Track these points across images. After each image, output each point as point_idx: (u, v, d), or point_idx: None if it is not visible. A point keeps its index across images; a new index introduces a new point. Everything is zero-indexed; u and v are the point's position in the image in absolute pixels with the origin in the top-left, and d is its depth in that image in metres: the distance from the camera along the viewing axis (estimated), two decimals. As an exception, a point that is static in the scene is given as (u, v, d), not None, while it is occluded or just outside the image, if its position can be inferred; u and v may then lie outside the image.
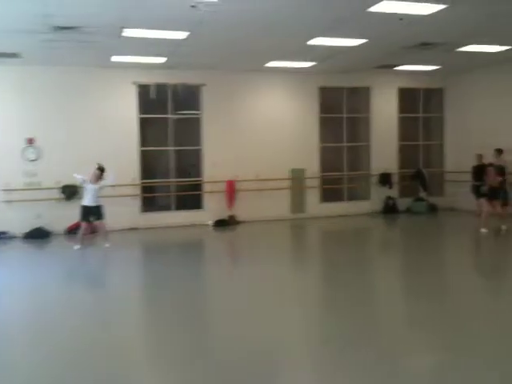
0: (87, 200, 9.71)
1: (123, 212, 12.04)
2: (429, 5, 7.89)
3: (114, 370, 4.18)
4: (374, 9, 7.96)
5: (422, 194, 14.60)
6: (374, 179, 14.50)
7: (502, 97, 13.23)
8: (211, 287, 7.22)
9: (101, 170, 9.81)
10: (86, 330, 5.21)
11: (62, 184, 11.78)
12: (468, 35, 10.02)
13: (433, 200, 14.63)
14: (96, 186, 9.69)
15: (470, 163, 12.88)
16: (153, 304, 6.36)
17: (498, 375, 3.91)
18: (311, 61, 12.01)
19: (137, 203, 12.61)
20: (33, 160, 11.70)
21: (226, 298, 6.33)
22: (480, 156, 12.48)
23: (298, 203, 13.90)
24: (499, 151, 12.09)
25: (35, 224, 11.52)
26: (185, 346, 4.69)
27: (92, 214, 9.78)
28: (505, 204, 11.02)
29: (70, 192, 11.76)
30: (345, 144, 14.41)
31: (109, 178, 9.85)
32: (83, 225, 9.87)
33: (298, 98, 13.81)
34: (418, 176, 14.66)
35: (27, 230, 11.45)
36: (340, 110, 14.26)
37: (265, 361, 4.26)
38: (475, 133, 14.05)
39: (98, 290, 7.25)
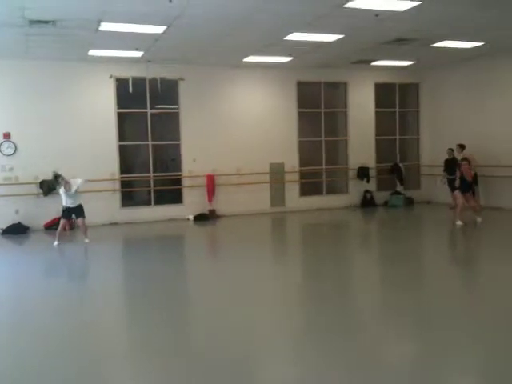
0: (68, 202, 9.76)
1: (102, 207, 12.03)
2: (403, 1, 8.06)
3: (92, 364, 4.22)
4: (350, 5, 8.09)
5: (399, 188, 14.86)
6: (352, 173, 14.69)
7: (475, 91, 13.54)
8: (192, 281, 7.27)
9: (55, 177, 9.76)
10: (64, 325, 5.22)
11: (39, 179, 11.70)
12: (442, 31, 10.22)
13: (409, 193, 14.90)
14: (71, 192, 9.70)
15: (446, 157, 13.15)
16: (133, 298, 6.38)
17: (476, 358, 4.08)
18: (289, 56, 12.11)
19: (116, 198, 12.58)
20: (9, 155, 11.59)
21: (207, 291, 6.39)
22: (451, 150, 12.79)
23: (277, 197, 14.03)
24: (461, 146, 12.54)
25: (13, 220, 11.44)
26: (165, 338, 4.76)
27: (73, 213, 9.92)
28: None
29: (48, 187, 11.69)
30: (323, 138, 14.56)
31: (76, 183, 9.76)
32: (62, 221, 9.87)
33: (277, 92, 13.91)
34: (395, 170, 14.91)
35: (5, 226, 11.35)
36: (318, 105, 14.41)
37: (247, 350, 4.34)
38: (450, 127, 14.36)
39: (77, 285, 7.25)
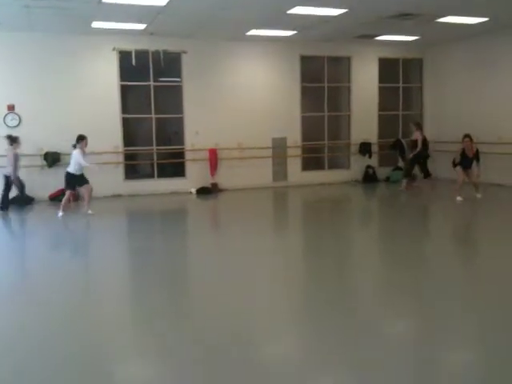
0: (78, 168, 9.78)
1: (106, 179, 12.15)
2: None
3: (97, 337, 4.38)
4: (353, -22, 8.06)
5: (401, 164, 14.89)
6: (354, 148, 14.75)
7: (478, 68, 13.47)
8: (194, 255, 7.37)
9: (80, 138, 9.83)
10: (67, 297, 5.34)
11: (44, 151, 11.83)
12: (446, 6, 10.16)
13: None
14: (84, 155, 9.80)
15: (449, 133, 13.18)
16: (135, 271, 6.52)
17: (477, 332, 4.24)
18: (292, 30, 12.06)
19: (120, 171, 12.72)
20: (13, 127, 11.69)
21: (208, 266, 6.44)
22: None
23: (279, 171, 14.14)
24: (417, 125, 12.73)
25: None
26: (167, 311, 4.93)
27: (77, 182, 9.95)
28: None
29: (53, 159, 11.83)
30: (326, 113, 14.58)
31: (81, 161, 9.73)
32: (68, 192, 10.00)
33: (280, 66, 13.88)
34: (397, 145, 14.92)
35: (10, 197, 11.52)
36: (321, 80, 14.38)
37: (248, 327, 4.44)
38: (453, 103, 14.34)
39: (80, 257, 7.41)
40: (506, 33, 12.35)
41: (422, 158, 12.53)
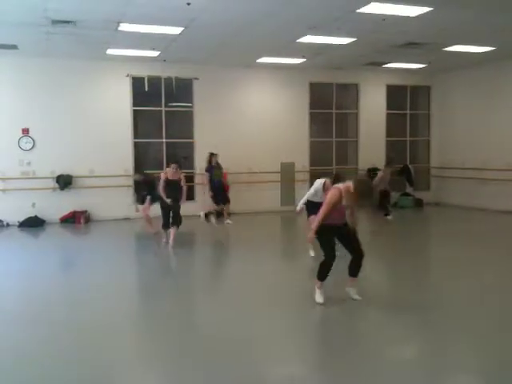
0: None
1: (116, 202, 12.32)
2: (415, 7, 8.23)
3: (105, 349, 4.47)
4: (363, 10, 8.28)
5: (409, 189, 14.99)
6: (362, 174, 14.85)
7: (485, 95, 13.66)
8: (206, 278, 7.50)
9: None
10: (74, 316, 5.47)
11: (56, 174, 12.02)
12: (453, 36, 10.37)
13: (419, 195, 15.03)
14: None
15: (456, 159, 13.30)
16: (147, 293, 6.64)
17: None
18: (301, 57, 12.31)
19: (129, 194, 12.86)
20: (27, 150, 11.91)
21: (220, 288, 6.62)
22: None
23: (287, 196, 14.24)
24: (213, 155, 11.70)
25: (30, 213, 11.76)
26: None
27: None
28: None
29: (65, 182, 12.01)
30: (334, 139, 14.76)
31: None
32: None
33: (289, 93, 14.12)
34: (405, 171, 15.04)
35: (22, 219, 11.68)
36: (329, 106, 14.60)
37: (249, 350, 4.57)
38: (460, 130, 14.50)
39: (90, 278, 7.47)
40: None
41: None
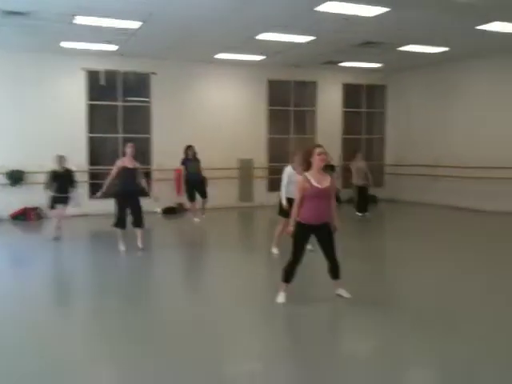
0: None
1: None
2: (373, 7, 8.39)
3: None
4: (320, 8, 8.38)
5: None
6: (319, 170, 15.04)
7: (439, 94, 14.11)
8: (161, 273, 7.42)
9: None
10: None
11: (6, 169, 11.61)
12: (409, 36, 10.66)
13: (373, 191, 15.32)
14: None
15: (410, 157, 13.66)
16: (99, 290, 6.54)
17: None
18: (260, 54, 12.34)
19: (85, 190, 12.59)
20: (-24, 144, 11.45)
21: (176, 281, 6.58)
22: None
23: (246, 192, 14.29)
24: (189, 147, 11.35)
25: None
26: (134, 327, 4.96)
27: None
28: None
29: (16, 178, 11.62)
30: (291, 136, 14.89)
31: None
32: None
33: (247, 90, 14.14)
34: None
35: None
36: (287, 103, 14.71)
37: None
38: (414, 128, 14.93)
39: (41, 275, 7.29)
40: (465, 62, 13.00)
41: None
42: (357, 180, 11.93)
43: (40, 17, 8.66)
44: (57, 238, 9.06)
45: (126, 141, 13.01)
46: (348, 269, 5.88)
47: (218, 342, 4.53)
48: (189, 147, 11.21)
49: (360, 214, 11.96)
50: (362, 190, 11.94)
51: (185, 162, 11.17)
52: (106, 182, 8.10)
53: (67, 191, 9.03)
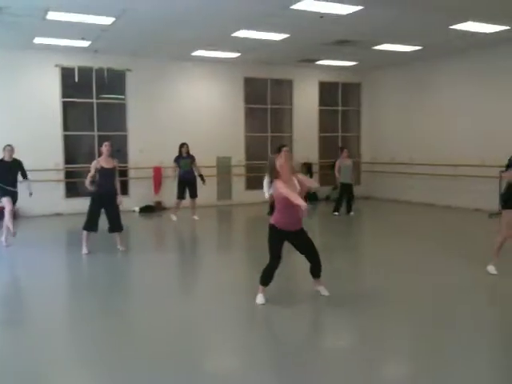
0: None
1: (46, 197, 11.85)
2: (346, 6, 8.47)
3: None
4: (296, 6, 8.43)
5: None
6: (296, 168, 15.11)
7: (412, 92, 14.31)
8: (139, 273, 7.37)
9: None
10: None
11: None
12: (382, 35, 10.78)
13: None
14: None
15: (385, 155, 13.81)
16: (74, 290, 6.47)
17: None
18: (236, 52, 12.36)
19: (60, 188, 12.45)
20: None
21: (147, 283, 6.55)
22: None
23: (224, 190, 14.29)
24: (182, 145, 11.32)
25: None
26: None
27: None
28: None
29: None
30: (269, 134, 14.94)
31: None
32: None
33: (224, 87, 14.13)
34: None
35: None
36: (264, 101, 14.76)
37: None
38: (388, 126, 15.12)
39: (13, 279, 7.21)
40: (438, 60, 13.21)
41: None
42: (344, 178, 11.80)
43: (12, 12, 8.52)
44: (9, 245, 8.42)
45: (101, 138, 12.98)
46: (329, 266, 5.92)
47: (198, 343, 4.50)
48: (182, 145, 11.24)
49: (337, 214, 11.97)
50: (348, 188, 11.89)
51: (177, 159, 11.23)
52: (87, 182, 7.75)
53: (15, 185, 8.39)
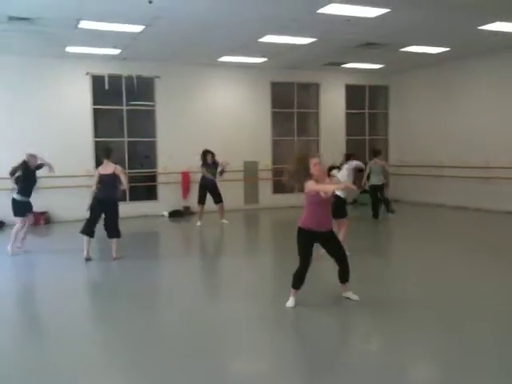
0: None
1: (78, 203, 12.04)
2: (374, 8, 8.46)
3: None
4: (323, 10, 8.46)
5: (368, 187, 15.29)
6: (323, 172, 15.08)
7: (440, 94, 14.15)
8: (172, 277, 7.44)
9: None
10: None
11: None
12: (409, 37, 10.72)
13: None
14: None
15: (413, 158, 13.65)
16: (108, 294, 6.60)
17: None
18: (263, 57, 12.44)
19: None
20: (-16, 150, 11.56)
21: (183, 286, 6.63)
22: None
23: (251, 194, 14.36)
24: (207, 153, 11.32)
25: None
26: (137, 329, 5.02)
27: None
28: None
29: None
30: (295, 138, 14.96)
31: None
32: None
33: (251, 92, 14.23)
34: (365, 169, 15.31)
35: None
36: (291, 105, 14.79)
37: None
38: (416, 128, 14.97)
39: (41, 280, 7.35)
40: (465, 61, 13.04)
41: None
42: (373, 180, 11.90)
43: (44, 22, 8.78)
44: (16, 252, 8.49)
45: (131, 145, 13.24)
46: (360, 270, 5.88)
47: (227, 345, 4.56)
48: (207, 152, 11.21)
49: (391, 214, 12.02)
50: (376, 189, 11.97)
51: (203, 167, 11.27)
52: (90, 195, 7.94)
53: (30, 194, 8.52)
